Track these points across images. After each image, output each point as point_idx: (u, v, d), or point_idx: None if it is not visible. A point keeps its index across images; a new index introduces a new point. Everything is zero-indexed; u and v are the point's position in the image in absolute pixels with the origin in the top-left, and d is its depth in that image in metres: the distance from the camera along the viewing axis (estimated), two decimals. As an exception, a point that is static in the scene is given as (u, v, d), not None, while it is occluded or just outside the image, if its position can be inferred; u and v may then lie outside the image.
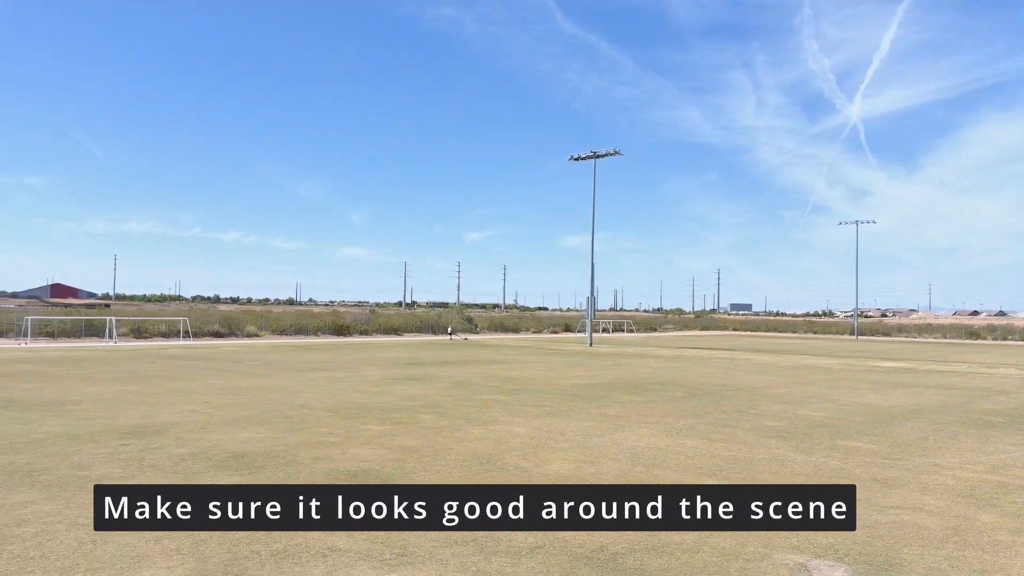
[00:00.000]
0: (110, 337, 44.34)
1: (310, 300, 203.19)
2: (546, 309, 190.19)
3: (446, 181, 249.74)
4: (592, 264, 50.18)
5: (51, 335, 45.01)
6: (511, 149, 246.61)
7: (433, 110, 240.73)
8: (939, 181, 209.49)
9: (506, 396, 18.92)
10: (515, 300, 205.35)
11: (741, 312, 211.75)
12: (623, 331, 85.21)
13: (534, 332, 76.47)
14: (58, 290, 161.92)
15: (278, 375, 23.69)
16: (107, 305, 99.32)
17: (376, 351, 38.76)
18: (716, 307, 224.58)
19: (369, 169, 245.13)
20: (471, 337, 62.26)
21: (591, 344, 48.25)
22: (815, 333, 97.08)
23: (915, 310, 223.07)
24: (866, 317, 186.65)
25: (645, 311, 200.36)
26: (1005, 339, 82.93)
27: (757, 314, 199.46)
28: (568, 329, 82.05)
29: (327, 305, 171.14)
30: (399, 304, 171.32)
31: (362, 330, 62.55)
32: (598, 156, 49.41)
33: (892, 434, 14.00)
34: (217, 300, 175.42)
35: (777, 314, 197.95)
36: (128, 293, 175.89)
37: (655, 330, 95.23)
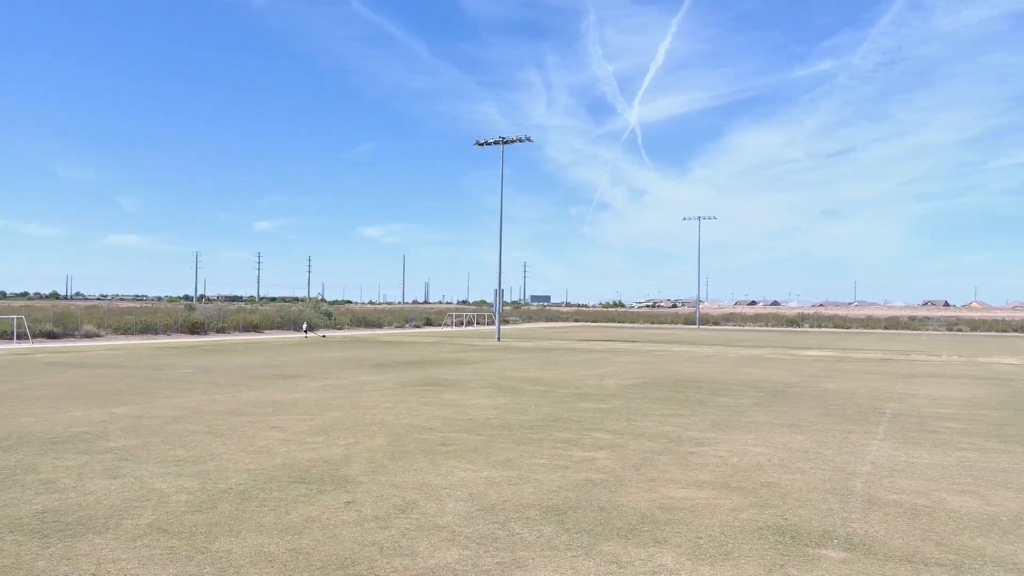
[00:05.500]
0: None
1: (78, 294, 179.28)
2: (351, 302, 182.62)
3: (233, 164, 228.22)
4: (500, 256, 47.90)
5: None
6: (306, 134, 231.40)
7: (217, 87, 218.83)
8: (707, 183, 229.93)
9: (604, 403, 16.39)
10: (321, 293, 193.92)
11: (541, 303, 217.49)
12: (482, 324, 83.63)
13: (397, 327, 72.56)
14: None
15: (260, 385, 19.11)
16: None
17: (291, 352, 33.75)
18: (521, 299, 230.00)
19: (142, 150, 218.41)
20: (330, 334, 57.12)
21: (499, 339, 46.07)
22: (651, 323, 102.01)
23: (702, 300, 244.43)
24: (659, 307, 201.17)
25: (449, 303, 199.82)
26: (820, 326, 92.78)
27: (558, 305, 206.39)
28: (430, 323, 78.94)
29: (100, 299, 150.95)
30: (188, 298, 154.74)
31: (218, 327, 55.28)
32: (505, 142, 47.13)
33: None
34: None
35: (581, 306, 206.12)
36: None
37: (507, 322, 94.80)
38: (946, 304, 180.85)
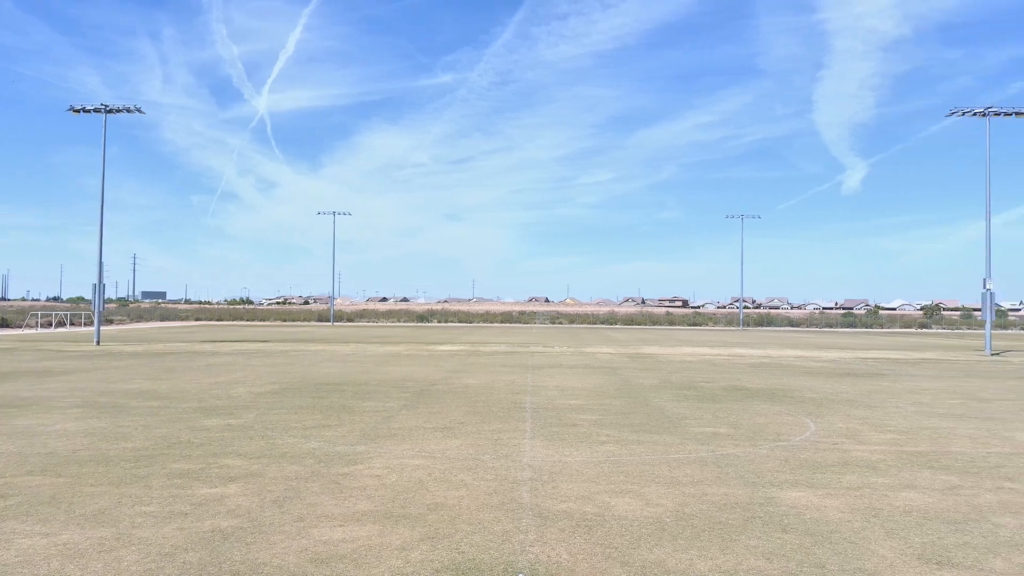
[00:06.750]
0: None
1: None
2: None
3: None
4: (100, 245, 40.59)
5: None
6: None
7: None
8: (340, 180, 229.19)
9: (234, 418, 13.98)
10: None
11: (155, 300, 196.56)
12: (80, 325, 71.30)
13: (-43, 329, 58.13)
14: None
15: None
16: None
17: None
18: (131, 295, 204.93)
19: None
20: None
21: (99, 342, 39.09)
22: (284, 321, 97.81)
23: (336, 297, 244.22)
24: (291, 303, 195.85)
25: (36, 300, 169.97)
26: (447, 321, 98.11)
27: (176, 302, 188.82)
28: (7, 324, 64.76)
29: None
30: None
31: None
32: (109, 111, 39.94)
33: (654, 400, 15.12)
34: None
35: (204, 303, 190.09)
36: None
37: (111, 322, 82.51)
38: (547, 300, 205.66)
